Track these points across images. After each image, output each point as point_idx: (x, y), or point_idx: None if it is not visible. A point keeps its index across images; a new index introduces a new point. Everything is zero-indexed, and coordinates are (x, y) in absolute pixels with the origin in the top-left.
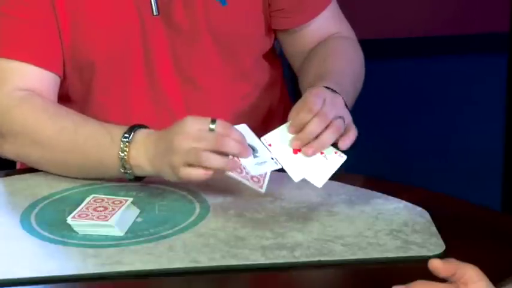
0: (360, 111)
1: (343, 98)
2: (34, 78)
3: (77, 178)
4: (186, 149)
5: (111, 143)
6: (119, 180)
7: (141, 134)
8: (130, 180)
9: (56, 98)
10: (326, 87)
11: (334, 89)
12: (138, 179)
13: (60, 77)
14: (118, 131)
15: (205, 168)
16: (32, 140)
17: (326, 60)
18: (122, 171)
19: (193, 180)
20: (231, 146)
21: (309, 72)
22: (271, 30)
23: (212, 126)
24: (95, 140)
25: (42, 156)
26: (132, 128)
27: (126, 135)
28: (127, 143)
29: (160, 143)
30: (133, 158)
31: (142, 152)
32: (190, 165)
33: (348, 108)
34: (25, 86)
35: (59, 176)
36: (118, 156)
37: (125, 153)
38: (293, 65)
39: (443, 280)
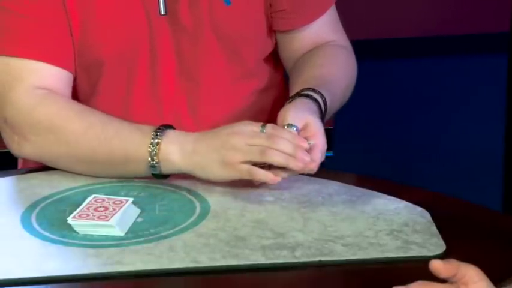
0: (360, 111)
1: (321, 106)
2: (49, 77)
3: (97, 177)
4: (243, 146)
5: (142, 138)
6: (120, 180)
7: (174, 132)
8: (154, 176)
9: (70, 96)
10: (313, 90)
11: (323, 93)
12: (164, 176)
13: (73, 74)
14: (148, 128)
15: (274, 172)
16: (57, 138)
17: (321, 65)
18: (150, 163)
19: (256, 180)
20: (284, 144)
21: (301, 74)
22: (273, 32)
23: (263, 128)
24: (123, 135)
25: (67, 154)
26: (163, 126)
27: (159, 131)
28: (159, 138)
29: (204, 141)
30: (164, 153)
31: (175, 148)
32: (254, 164)
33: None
34: (41, 84)
35: (60, 176)
36: (148, 149)
37: (156, 146)
38: (286, 66)
39: (443, 280)
